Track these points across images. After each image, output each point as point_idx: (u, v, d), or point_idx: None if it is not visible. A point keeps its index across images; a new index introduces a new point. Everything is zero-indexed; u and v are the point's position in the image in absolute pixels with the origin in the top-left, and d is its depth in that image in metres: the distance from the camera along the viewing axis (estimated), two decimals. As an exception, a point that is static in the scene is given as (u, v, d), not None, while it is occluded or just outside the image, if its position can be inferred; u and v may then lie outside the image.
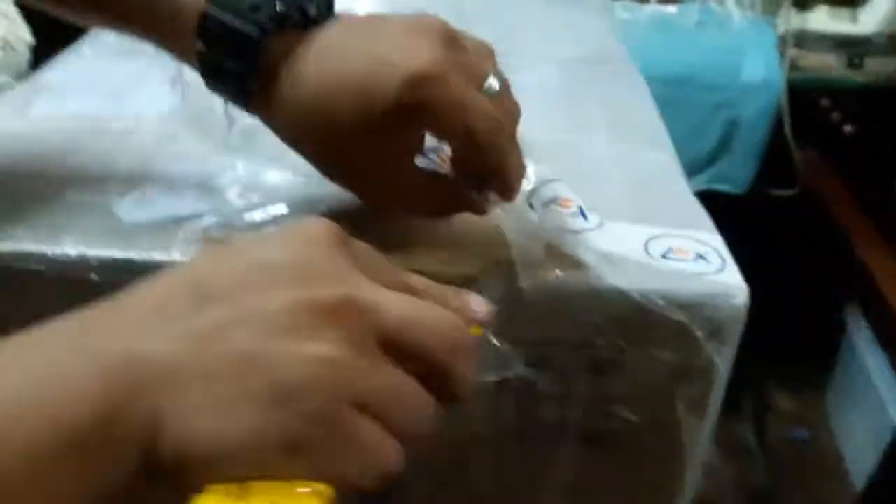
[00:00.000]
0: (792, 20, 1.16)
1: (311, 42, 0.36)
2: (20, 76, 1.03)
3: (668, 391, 0.43)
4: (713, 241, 0.43)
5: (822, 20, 1.18)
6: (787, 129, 1.14)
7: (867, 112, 1.31)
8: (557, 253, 0.40)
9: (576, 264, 0.40)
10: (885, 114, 1.20)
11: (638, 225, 0.43)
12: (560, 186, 0.44)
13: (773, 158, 1.22)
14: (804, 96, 1.20)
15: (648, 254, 0.42)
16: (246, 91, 0.36)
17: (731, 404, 0.41)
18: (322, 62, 0.35)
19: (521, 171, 0.37)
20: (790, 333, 1.25)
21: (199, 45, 0.36)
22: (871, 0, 1.16)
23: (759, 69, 1.15)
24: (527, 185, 0.44)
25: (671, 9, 1.25)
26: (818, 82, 1.17)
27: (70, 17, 0.42)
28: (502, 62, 0.39)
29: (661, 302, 0.40)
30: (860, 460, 1.27)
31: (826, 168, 1.40)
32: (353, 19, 0.37)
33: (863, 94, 1.17)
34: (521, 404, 0.44)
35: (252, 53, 0.35)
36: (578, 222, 0.43)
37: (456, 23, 0.37)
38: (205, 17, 0.35)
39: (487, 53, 0.37)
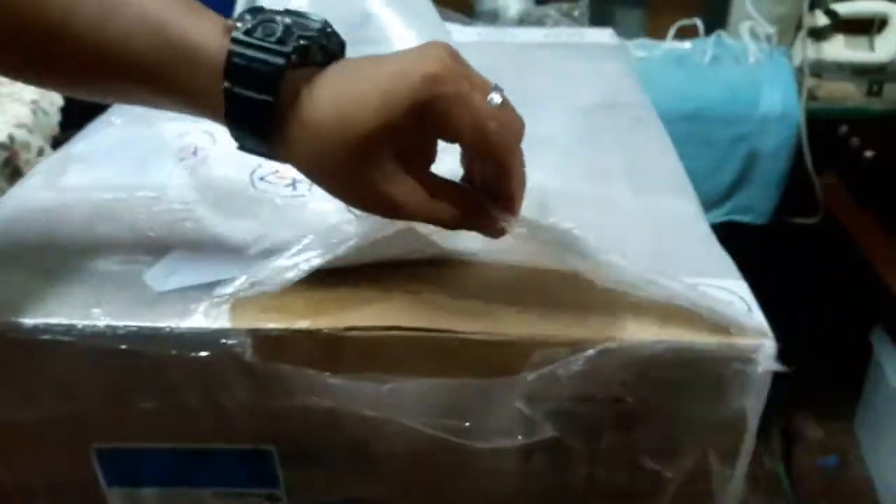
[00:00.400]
0: (807, 50, 1.16)
1: (329, 72, 0.38)
2: (52, 138, 1.06)
3: (698, 443, 0.42)
4: (738, 289, 0.43)
5: (837, 49, 1.18)
6: (808, 159, 1.13)
7: (887, 138, 1.30)
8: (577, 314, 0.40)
9: (603, 322, 0.40)
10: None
11: (679, 274, 0.43)
12: (581, 237, 0.44)
13: (795, 187, 1.21)
14: (823, 125, 1.19)
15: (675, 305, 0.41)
16: (270, 124, 0.37)
17: (759, 434, 0.41)
18: (341, 84, 0.37)
19: (524, 181, 0.39)
20: (817, 361, 1.23)
21: (226, 84, 0.36)
22: (887, 27, 1.16)
23: (777, 101, 1.14)
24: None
25: (686, 45, 1.25)
26: (837, 111, 1.16)
27: (71, 91, 0.42)
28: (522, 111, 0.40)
29: (683, 351, 0.39)
30: (892, 486, 1.24)
31: (847, 195, 1.39)
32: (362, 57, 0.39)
33: (882, 120, 1.16)
34: (549, 463, 0.44)
35: (276, 84, 0.36)
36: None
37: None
38: (231, 55, 0.36)
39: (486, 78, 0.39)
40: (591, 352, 0.39)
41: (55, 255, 0.46)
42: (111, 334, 0.40)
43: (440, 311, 0.41)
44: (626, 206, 0.51)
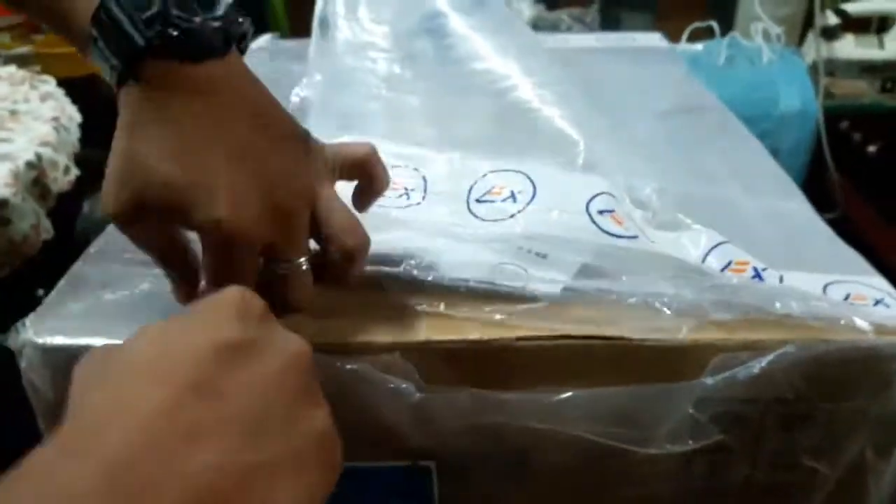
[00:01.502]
0: (821, 49, 1.19)
1: (172, 95, 0.34)
2: (73, 155, 1.03)
3: (857, 439, 0.43)
4: (884, 286, 0.44)
5: (848, 48, 1.21)
6: (828, 155, 1.16)
7: (890, 134, 1.34)
8: (751, 316, 0.41)
9: (773, 323, 0.40)
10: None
11: (815, 273, 0.44)
12: (731, 249, 0.44)
13: (810, 185, 1.24)
14: (834, 122, 1.23)
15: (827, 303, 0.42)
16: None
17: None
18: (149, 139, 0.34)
19: None
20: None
21: (94, 32, 0.34)
22: (895, 27, 1.19)
23: (795, 99, 1.17)
24: (696, 249, 0.44)
25: (698, 47, 1.27)
26: (852, 108, 1.19)
27: None
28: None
29: (854, 350, 0.40)
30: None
31: (851, 190, 1.43)
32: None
33: (892, 116, 1.20)
34: (710, 466, 0.44)
35: (133, 60, 0.34)
36: (756, 283, 0.43)
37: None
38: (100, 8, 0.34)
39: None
40: (772, 355, 0.39)
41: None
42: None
43: (595, 321, 0.41)
44: (745, 208, 0.52)
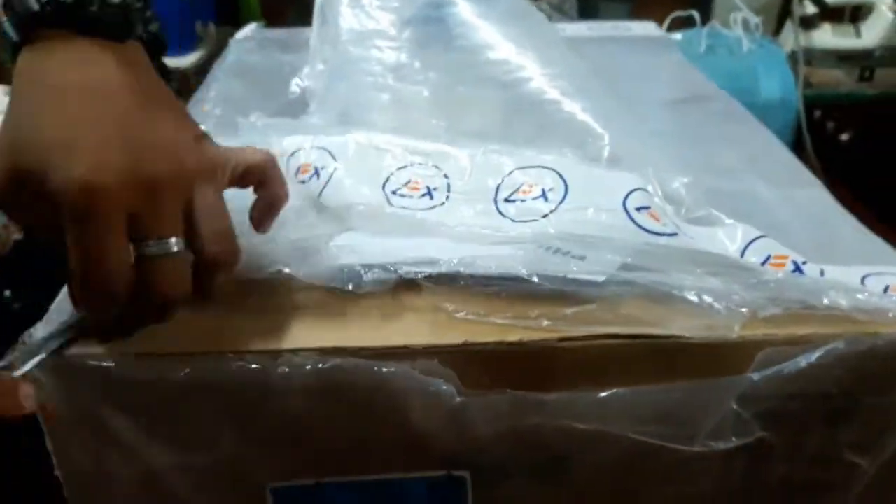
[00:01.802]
0: (799, 38, 1.20)
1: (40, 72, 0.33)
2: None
3: (894, 430, 0.42)
4: (917, 277, 0.43)
5: (825, 37, 1.22)
6: (808, 143, 1.17)
7: (862, 121, 1.36)
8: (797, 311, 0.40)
9: (818, 318, 0.39)
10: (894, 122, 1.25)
11: (852, 266, 0.43)
12: (769, 242, 0.43)
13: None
14: (812, 111, 1.24)
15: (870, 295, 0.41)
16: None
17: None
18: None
19: None
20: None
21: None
22: (872, 14, 1.21)
23: (776, 88, 1.17)
24: (733, 244, 0.43)
25: (678, 36, 1.27)
26: (831, 97, 1.20)
27: None
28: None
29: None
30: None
31: (825, 175, 1.45)
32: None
33: (874, 105, 1.21)
34: (751, 462, 0.43)
35: (28, 27, 0.34)
36: (796, 277, 0.42)
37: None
38: None
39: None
40: (820, 350, 0.38)
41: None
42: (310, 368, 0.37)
43: (638, 319, 0.40)
44: (768, 199, 0.51)
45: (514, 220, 0.43)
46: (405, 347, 0.38)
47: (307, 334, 0.39)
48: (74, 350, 0.38)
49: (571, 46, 0.58)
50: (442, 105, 0.52)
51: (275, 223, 0.41)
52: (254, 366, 0.38)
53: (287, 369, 0.38)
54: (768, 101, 1.17)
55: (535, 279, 0.39)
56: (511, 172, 0.45)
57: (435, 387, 0.37)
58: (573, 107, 0.48)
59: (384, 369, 0.37)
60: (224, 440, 0.40)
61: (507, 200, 0.44)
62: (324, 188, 0.47)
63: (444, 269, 0.40)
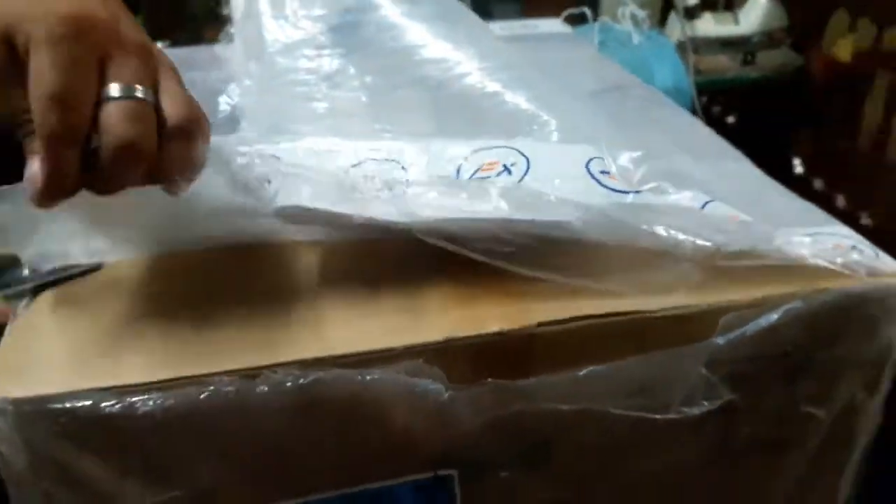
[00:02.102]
0: (685, 28, 1.26)
1: None
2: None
3: (850, 382, 0.45)
4: (853, 235, 0.46)
5: (708, 26, 1.28)
6: (703, 127, 1.22)
7: (758, 103, 1.45)
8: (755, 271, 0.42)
9: (777, 279, 0.41)
10: (774, 103, 1.33)
11: (792, 228, 0.45)
12: (720, 205, 0.45)
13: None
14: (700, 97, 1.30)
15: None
16: None
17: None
18: None
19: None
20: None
21: None
22: (747, 2, 1.28)
23: (668, 77, 1.22)
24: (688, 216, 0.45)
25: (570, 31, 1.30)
26: (720, 82, 1.27)
27: None
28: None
29: (849, 297, 0.42)
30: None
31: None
32: None
33: (756, 88, 1.29)
34: (719, 425, 0.44)
35: None
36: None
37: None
38: None
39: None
40: (780, 310, 0.40)
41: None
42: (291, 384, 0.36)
43: (608, 296, 0.41)
44: (701, 174, 0.52)
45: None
46: (388, 350, 0.37)
47: (284, 346, 0.38)
48: (30, 392, 0.36)
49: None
50: (382, 108, 0.52)
51: None
52: (228, 388, 0.36)
53: (266, 388, 0.36)
54: (663, 89, 1.21)
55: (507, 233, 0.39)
56: (469, 156, 0.45)
57: (422, 387, 0.37)
58: (516, 97, 0.49)
59: (368, 377, 0.37)
60: (202, 472, 0.38)
61: (471, 177, 0.44)
62: (276, 194, 0.46)
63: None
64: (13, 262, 0.49)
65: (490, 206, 0.39)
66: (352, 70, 0.53)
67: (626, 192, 0.43)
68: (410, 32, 0.53)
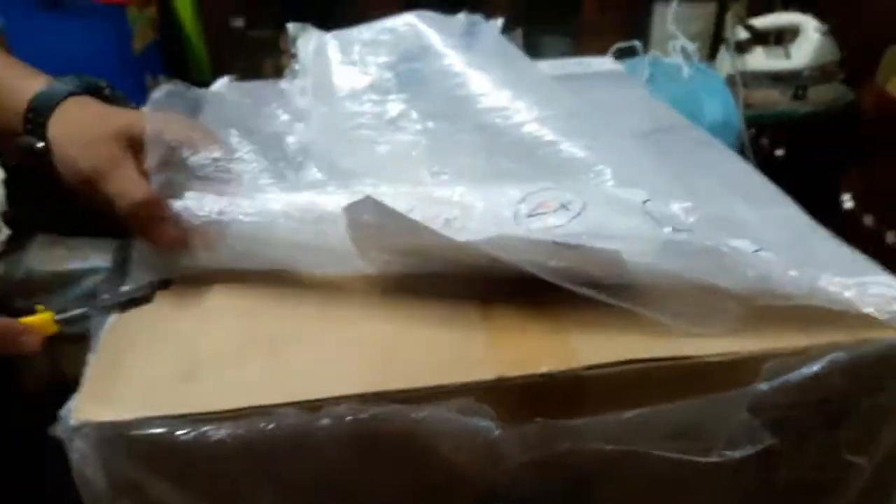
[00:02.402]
0: (736, 62, 1.26)
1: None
2: (2, 214, 0.97)
3: (892, 429, 0.46)
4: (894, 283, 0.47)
5: (758, 60, 1.29)
6: (752, 161, 1.22)
7: (793, 138, 1.44)
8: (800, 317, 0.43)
9: (821, 329, 0.42)
10: (824, 138, 1.32)
11: (836, 278, 0.46)
12: (769, 256, 0.46)
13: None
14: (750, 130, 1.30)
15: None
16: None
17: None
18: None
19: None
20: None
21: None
22: (800, 37, 1.28)
23: (718, 111, 1.23)
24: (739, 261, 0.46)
25: (620, 66, 1.32)
26: (768, 116, 1.27)
27: None
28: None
29: (890, 350, 0.43)
30: None
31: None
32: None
33: (805, 122, 1.28)
34: (759, 468, 0.45)
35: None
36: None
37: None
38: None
39: None
40: (824, 360, 0.41)
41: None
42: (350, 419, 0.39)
43: (654, 337, 0.43)
44: (750, 220, 0.54)
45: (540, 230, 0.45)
46: (442, 387, 0.39)
47: (345, 378, 0.40)
48: (111, 417, 0.38)
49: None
50: (441, 153, 0.54)
51: None
52: (294, 421, 0.39)
53: (327, 421, 0.39)
54: (712, 123, 1.23)
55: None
56: (524, 198, 0.47)
57: (473, 424, 0.39)
58: (571, 146, 0.51)
59: (422, 414, 0.39)
60: (266, 499, 0.41)
61: (528, 216, 0.46)
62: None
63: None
64: (64, 280, 0.53)
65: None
66: (414, 115, 0.56)
67: (681, 231, 0.44)
68: (471, 80, 0.56)
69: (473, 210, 0.48)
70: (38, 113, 0.50)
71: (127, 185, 0.48)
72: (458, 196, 0.48)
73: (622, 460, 0.42)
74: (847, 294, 0.43)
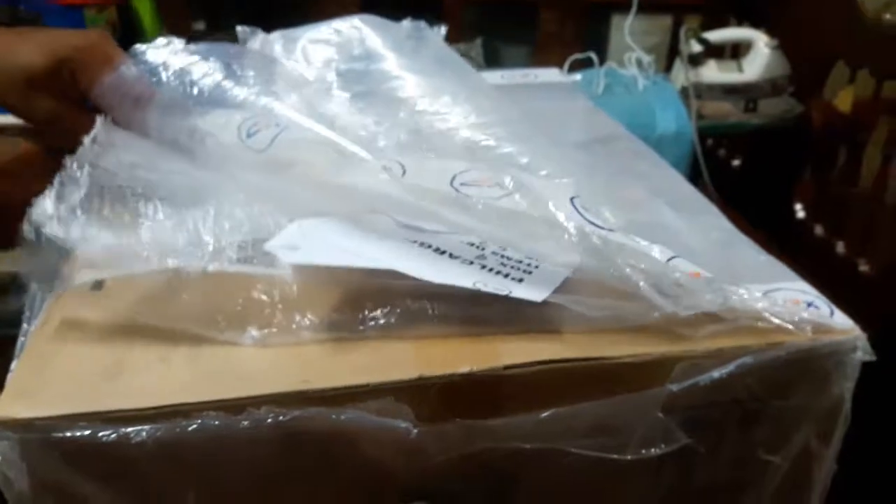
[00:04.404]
0: (689, 75, 1.29)
1: None
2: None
3: (805, 430, 0.47)
4: (812, 292, 0.49)
5: (712, 73, 1.32)
6: (704, 171, 1.25)
7: (749, 148, 1.48)
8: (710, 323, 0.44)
9: (731, 332, 0.44)
10: (778, 148, 1.36)
11: (752, 285, 0.48)
12: (682, 262, 0.48)
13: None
14: (704, 141, 1.33)
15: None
16: None
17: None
18: None
19: None
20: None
21: None
22: (751, 51, 1.31)
23: (671, 122, 1.26)
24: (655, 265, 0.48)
25: (577, 76, 1.34)
26: (722, 127, 1.30)
27: None
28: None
29: (799, 352, 0.45)
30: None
31: (718, 199, 1.55)
32: None
33: (760, 133, 1.32)
34: (677, 468, 0.47)
35: None
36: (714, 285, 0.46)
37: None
38: None
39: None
40: (732, 365, 0.43)
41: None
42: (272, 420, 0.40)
43: (572, 342, 0.44)
44: (675, 226, 0.56)
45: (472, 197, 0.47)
46: (362, 386, 0.40)
47: (266, 379, 0.41)
48: (33, 415, 0.39)
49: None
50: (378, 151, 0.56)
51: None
52: (216, 422, 0.39)
53: (247, 423, 0.39)
54: (665, 134, 1.25)
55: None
56: (464, 171, 0.49)
57: (391, 424, 0.40)
58: (506, 149, 0.53)
59: (343, 416, 0.40)
60: (191, 500, 0.41)
61: (463, 184, 0.48)
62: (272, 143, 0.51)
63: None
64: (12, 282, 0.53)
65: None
66: (355, 113, 0.58)
67: (604, 228, 0.46)
68: (410, 83, 0.58)
69: (413, 172, 0.50)
70: None
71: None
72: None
73: (541, 459, 0.43)
74: (758, 305, 0.44)
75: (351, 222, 0.46)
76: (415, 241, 0.45)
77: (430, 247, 0.45)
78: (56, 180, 0.46)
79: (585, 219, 0.47)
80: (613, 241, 0.46)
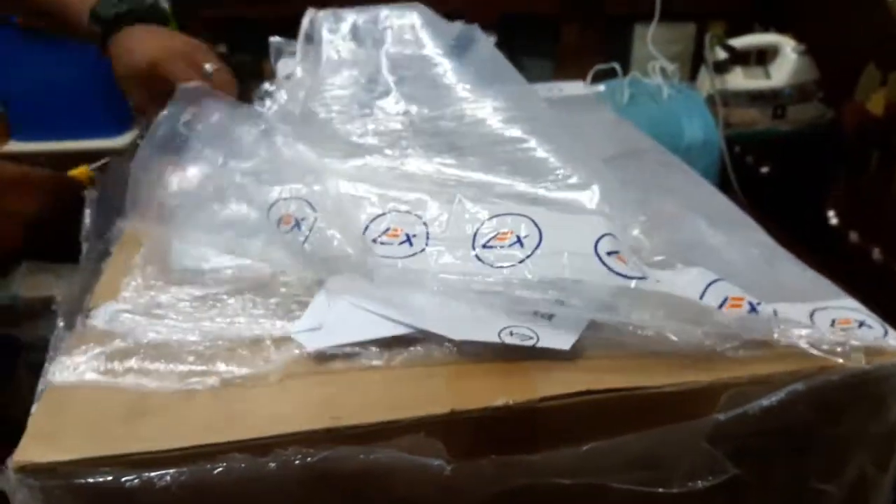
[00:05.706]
0: (714, 82, 1.27)
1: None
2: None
3: (859, 457, 0.45)
4: (860, 308, 0.47)
5: (738, 80, 1.29)
6: (733, 179, 1.23)
7: (778, 155, 1.44)
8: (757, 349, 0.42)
9: (780, 357, 0.42)
10: (808, 154, 1.32)
11: (798, 304, 0.46)
12: (725, 285, 0.46)
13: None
14: (731, 148, 1.30)
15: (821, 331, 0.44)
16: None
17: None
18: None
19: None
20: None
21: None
22: (778, 57, 1.29)
23: (698, 131, 1.23)
24: (692, 288, 0.46)
25: (601, 87, 1.32)
26: (748, 135, 1.27)
27: None
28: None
29: (853, 376, 0.42)
30: None
31: (748, 207, 1.52)
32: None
33: (789, 139, 1.29)
34: (727, 498, 0.45)
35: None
36: (754, 317, 0.44)
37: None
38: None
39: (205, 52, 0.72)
40: (782, 392, 0.40)
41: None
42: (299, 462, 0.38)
43: (611, 371, 0.42)
44: (713, 243, 0.53)
45: (492, 266, 0.46)
46: (394, 422, 0.39)
47: (293, 415, 0.39)
48: (55, 459, 0.38)
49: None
50: (419, 135, 0.56)
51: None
52: (243, 465, 0.38)
53: (274, 465, 0.38)
54: (692, 142, 1.23)
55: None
56: (486, 221, 0.49)
57: (424, 463, 0.38)
58: (544, 147, 0.53)
59: (372, 455, 0.38)
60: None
61: (484, 247, 0.47)
62: (306, 239, 0.50)
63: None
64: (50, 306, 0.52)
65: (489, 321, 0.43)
66: (397, 96, 0.59)
67: (630, 278, 0.44)
68: (454, 73, 0.59)
69: (437, 227, 0.50)
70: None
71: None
72: (423, 206, 0.51)
73: (582, 495, 0.41)
74: (804, 333, 0.42)
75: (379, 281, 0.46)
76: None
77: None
78: None
79: (611, 269, 0.45)
80: (638, 292, 0.44)
